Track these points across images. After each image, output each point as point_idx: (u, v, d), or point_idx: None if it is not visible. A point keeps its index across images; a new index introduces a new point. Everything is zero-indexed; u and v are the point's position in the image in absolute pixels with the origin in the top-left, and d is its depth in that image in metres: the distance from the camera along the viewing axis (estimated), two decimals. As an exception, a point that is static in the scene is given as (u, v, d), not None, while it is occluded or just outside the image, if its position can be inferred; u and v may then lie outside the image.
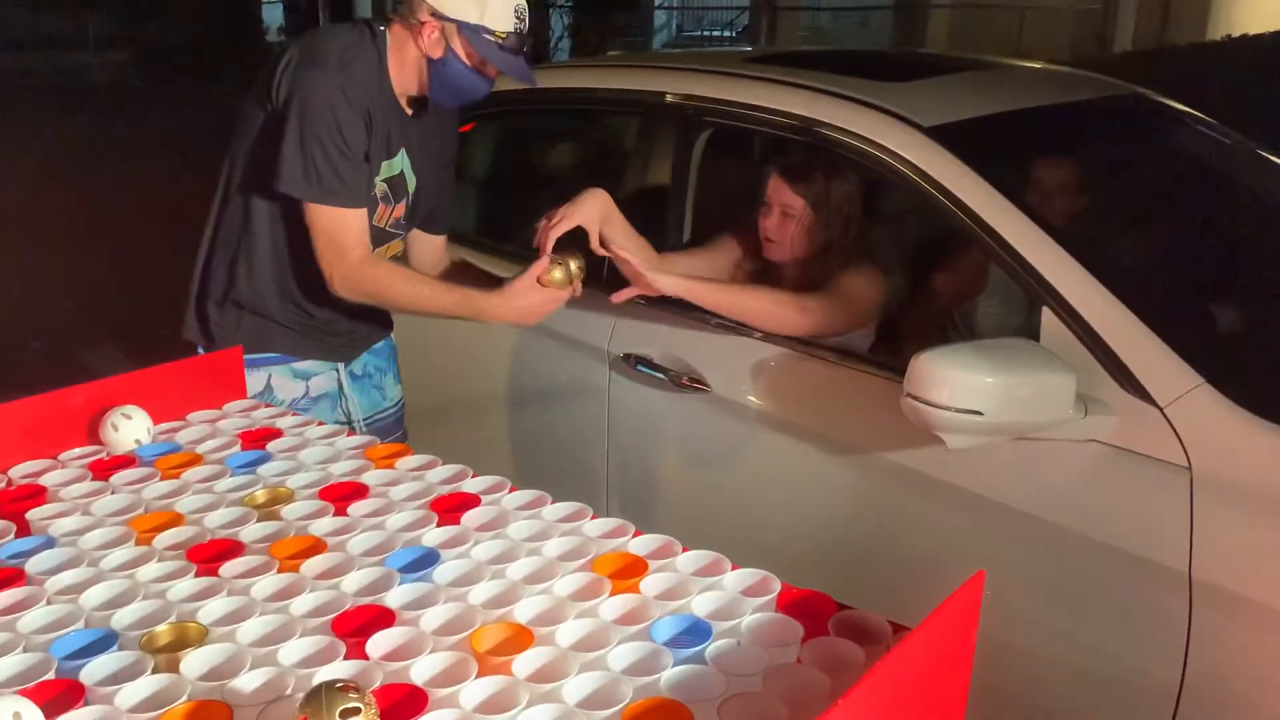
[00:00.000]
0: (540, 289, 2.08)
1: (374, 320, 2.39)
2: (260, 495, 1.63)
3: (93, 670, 1.20)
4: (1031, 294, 1.99)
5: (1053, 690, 1.92)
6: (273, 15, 21.80)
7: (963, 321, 2.45)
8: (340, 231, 2.07)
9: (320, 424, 1.92)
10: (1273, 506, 1.69)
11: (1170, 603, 1.74)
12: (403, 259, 2.34)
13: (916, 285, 2.56)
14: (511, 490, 1.64)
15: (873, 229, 2.54)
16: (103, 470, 1.72)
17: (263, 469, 1.73)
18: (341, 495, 1.62)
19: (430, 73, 2.08)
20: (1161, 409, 1.81)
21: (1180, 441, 1.78)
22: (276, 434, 1.87)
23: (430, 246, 2.43)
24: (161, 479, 1.68)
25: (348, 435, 1.87)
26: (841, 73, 2.47)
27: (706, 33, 21.68)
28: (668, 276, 2.17)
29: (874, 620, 1.30)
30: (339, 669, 1.19)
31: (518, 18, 2.05)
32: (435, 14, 2.03)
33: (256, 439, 1.84)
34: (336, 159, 2.02)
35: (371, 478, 1.69)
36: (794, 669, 1.23)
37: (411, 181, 2.23)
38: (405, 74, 2.11)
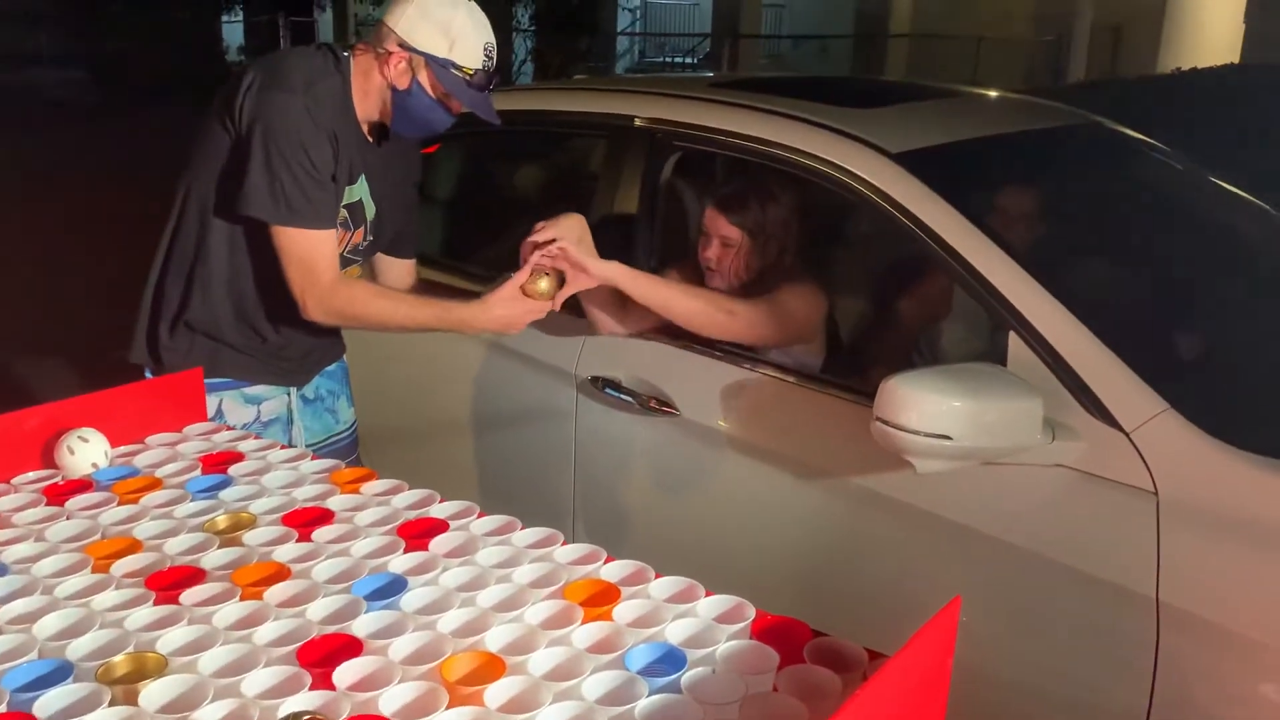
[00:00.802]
0: (523, 299, 2.09)
1: (327, 343, 2.37)
2: (222, 521, 1.59)
3: (47, 703, 1.16)
4: (998, 319, 2.00)
5: (1020, 715, 1.92)
6: (233, 35, 21.67)
7: (927, 346, 2.46)
8: (311, 254, 2.04)
9: (284, 447, 1.88)
10: (1238, 531, 1.71)
11: (1138, 627, 1.75)
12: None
13: (882, 310, 2.58)
14: (480, 516, 1.62)
15: (835, 252, 2.56)
16: (58, 495, 1.67)
17: (224, 494, 1.69)
18: (306, 521, 1.59)
19: (394, 102, 2.08)
20: (1128, 434, 1.82)
21: (1146, 466, 1.79)
22: (238, 458, 1.83)
23: (401, 271, 2.42)
24: (119, 504, 1.64)
25: (312, 459, 1.83)
26: (808, 99, 2.49)
27: (668, 59, 21.85)
28: (602, 262, 2.18)
29: (850, 647, 1.29)
30: (305, 700, 1.16)
31: (486, 55, 2.06)
32: (404, 45, 2.03)
33: (217, 463, 1.80)
34: (304, 180, 1.99)
35: (336, 503, 1.65)
36: (771, 698, 1.21)
37: (371, 209, 2.21)
38: (369, 101, 2.10)
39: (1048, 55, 15.53)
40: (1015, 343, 1.95)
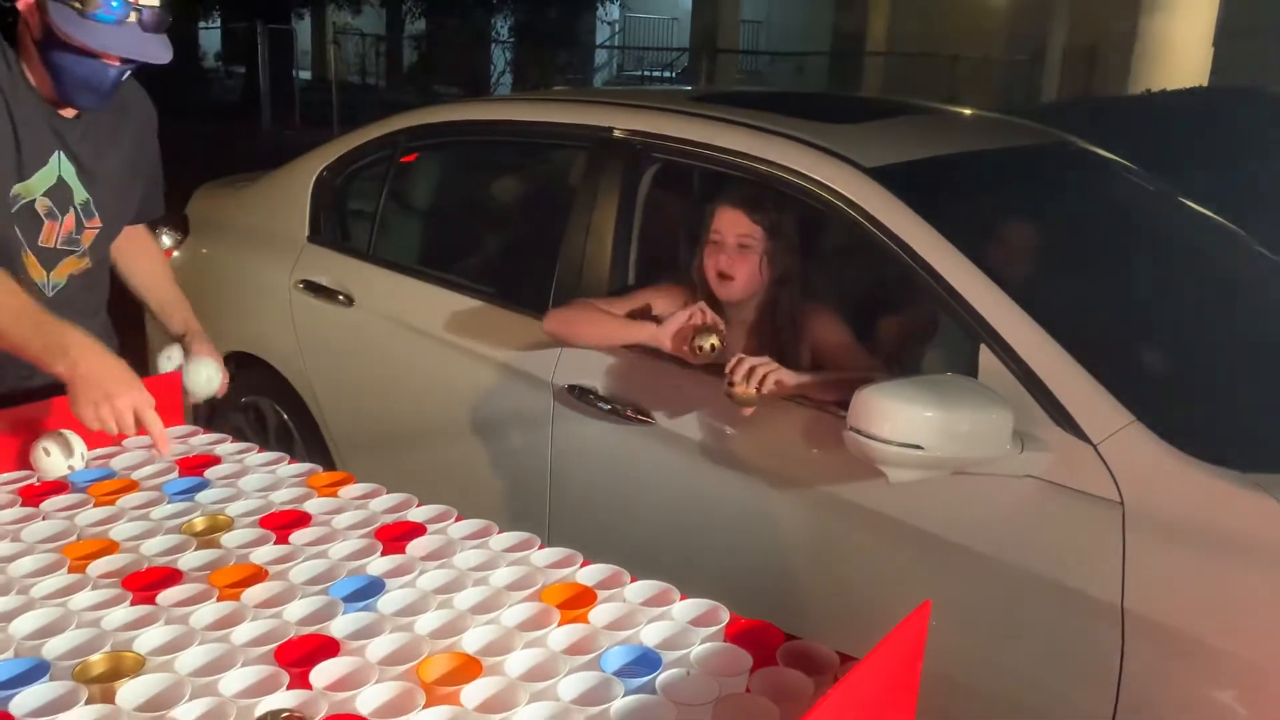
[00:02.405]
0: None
1: None
2: (199, 523, 1.59)
3: (23, 701, 1.16)
4: (970, 332, 2.03)
5: (988, 722, 1.95)
6: (210, 42, 21.57)
7: (909, 363, 2.49)
8: None
9: (260, 450, 1.88)
10: (1202, 540, 1.75)
11: (1103, 635, 1.78)
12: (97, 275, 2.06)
13: (857, 323, 2.60)
14: (458, 519, 1.63)
15: (815, 269, 2.58)
16: (33, 496, 1.68)
17: (201, 496, 1.69)
18: (283, 523, 1.60)
19: (44, 62, 1.79)
20: (1095, 446, 1.85)
21: (1113, 477, 1.82)
22: (215, 461, 1.83)
23: (137, 240, 2.18)
24: (95, 505, 1.64)
25: (289, 463, 1.83)
26: (786, 113, 2.52)
27: (646, 73, 21.93)
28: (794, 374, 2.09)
29: (822, 650, 1.31)
30: (283, 699, 1.17)
31: None
32: None
33: (194, 465, 1.81)
34: None
35: (314, 506, 1.66)
36: (744, 699, 1.23)
37: (80, 191, 1.94)
38: (34, 67, 1.83)
39: (1021, 75, 15.72)
40: (986, 355, 1.99)
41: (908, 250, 2.10)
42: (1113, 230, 2.67)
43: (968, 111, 3.16)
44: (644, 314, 2.39)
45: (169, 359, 2.15)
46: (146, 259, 2.24)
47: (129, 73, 1.83)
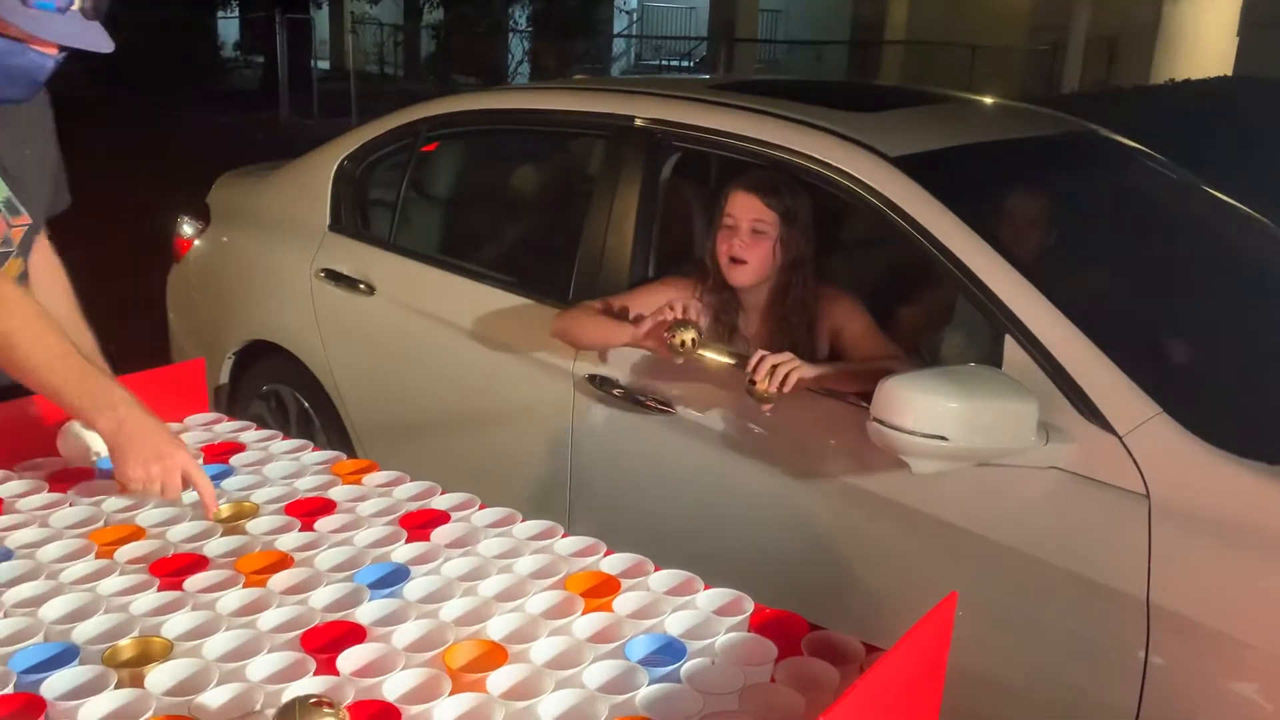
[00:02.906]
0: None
1: None
2: (224, 509, 1.60)
3: (54, 684, 1.17)
4: (994, 322, 2.02)
5: (1010, 714, 1.94)
6: (229, 32, 21.63)
7: (928, 353, 2.48)
8: None
9: (285, 438, 1.89)
10: (1229, 534, 1.73)
11: (1128, 628, 1.77)
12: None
13: (880, 313, 2.59)
14: (481, 508, 1.63)
15: (838, 257, 2.57)
16: (60, 482, 1.69)
17: (226, 483, 1.70)
18: (308, 510, 1.60)
19: None
20: (1120, 437, 1.84)
21: (1139, 469, 1.81)
22: (240, 448, 1.84)
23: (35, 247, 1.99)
24: (121, 491, 1.65)
25: (313, 450, 1.84)
26: (808, 102, 2.51)
27: (664, 62, 21.87)
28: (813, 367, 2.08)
29: (847, 641, 1.31)
30: (310, 685, 1.17)
31: None
32: None
33: (220, 453, 1.81)
34: None
35: (338, 493, 1.67)
36: (769, 688, 1.23)
37: (1, 188, 1.84)
38: None
39: (1042, 64, 15.60)
40: (1011, 346, 1.97)
41: (932, 240, 2.09)
42: (1137, 220, 2.65)
43: (990, 100, 3.14)
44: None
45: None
46: (47, 276, 2.04)
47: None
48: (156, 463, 1.57)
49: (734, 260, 2.29)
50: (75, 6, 1.63)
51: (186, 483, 1.59)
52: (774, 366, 2.02)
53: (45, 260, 2.05)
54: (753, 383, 2.03)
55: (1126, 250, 2.45)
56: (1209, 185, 2.86)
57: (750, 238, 2.27)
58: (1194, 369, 2.19)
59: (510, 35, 19.21)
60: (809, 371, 2.05)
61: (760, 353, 2.05)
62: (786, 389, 2.02)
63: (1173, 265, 2.49)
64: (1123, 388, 1.88)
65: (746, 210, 2.27)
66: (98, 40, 1.69)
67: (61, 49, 1.68)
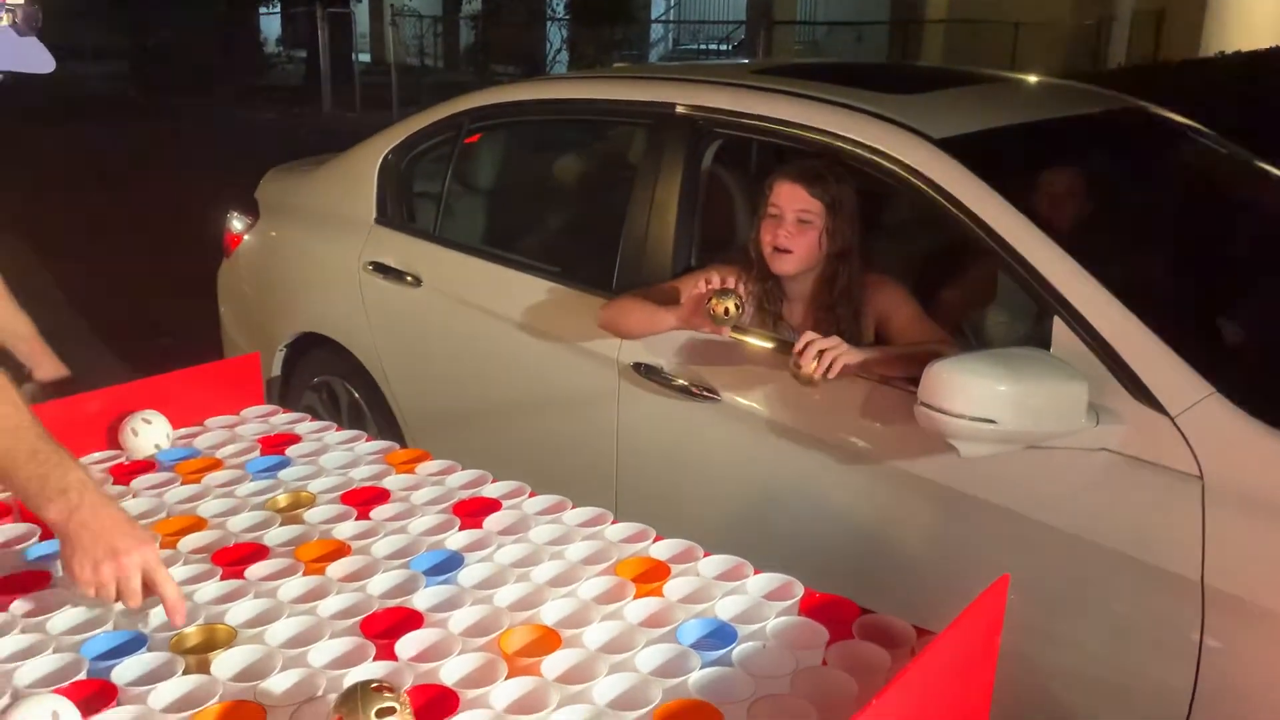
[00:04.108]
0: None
1: None
2: (282, 499, 1.64)
3: (124, 671, 1.21)
4: (1043, 304, 2.00)
5: (1063, 698, 1.93)
6: (270, 27, 21.86)
7: (971, 332, 2.47)
8: None
9: (339, 429, 1.93)
10: (1284, 514, 1.71)
11: (1182, 611, 1.76)
12: None
13: (925, 296, 2.58)
14: (531, 495, 1.66)
15: (880, 241, 2.56)
16: (123, 474, 1.73)
17: (283, 473, 1.74)
18: (363, 500, 1.63)
19: None
20: (1172, 418, 1.82)
21: (1191, 450, 1.79)
22: (295, 439, 1.88)
23: None
24: (182, 483, 1.70)
25: (366, 440, 1.87)
26: (850, 85, 2.50)
27: (702, 47, 21.75)
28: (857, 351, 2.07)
29: (898, 624, 1.32)
30: (370, 670, 1.20)
31: None
32: None
33: (275, 444, 1.85)
34: None
35: (392, 482, 1.70)
36: (821, 672, 1.24)
37: None
38: None
39: (1088, 40, 15.33)
40: (1059, 327, 1.96)
41: (979, 223, 2.07)
42: (1188, 197, 2.61)
43: (1034, 79, 3.10)
44: None
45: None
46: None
47: None
48: (109, 561, 1.28)
49: (778, 250, 2.29)
50: (4, 23, 1.44)
51: (150, 587, 1.31)
52: (820, 351, 2.02)
53: None
54: (798, 366, 2.04)
55: (1177, 228, 2.42)
56: (1261, 160, 2.80)
57: (795, 227, 2.27)
58: (1247, 348, 2.16)
59: (548, 23, 19.22)
60: (854, 356, 2.04)
61: (807, 335, 2.05)
62: (832, 374, 2.02)
63: (1225, 243, 2.45)
64: (1174, 368, 1.86)
65: (792, 200, 2.27)
66: (37, 60, 1.48)
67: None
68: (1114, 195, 2.44)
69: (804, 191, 2.26)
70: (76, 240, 7.10)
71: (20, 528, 1.54)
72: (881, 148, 2.23)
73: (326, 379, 3.33)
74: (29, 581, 1.40)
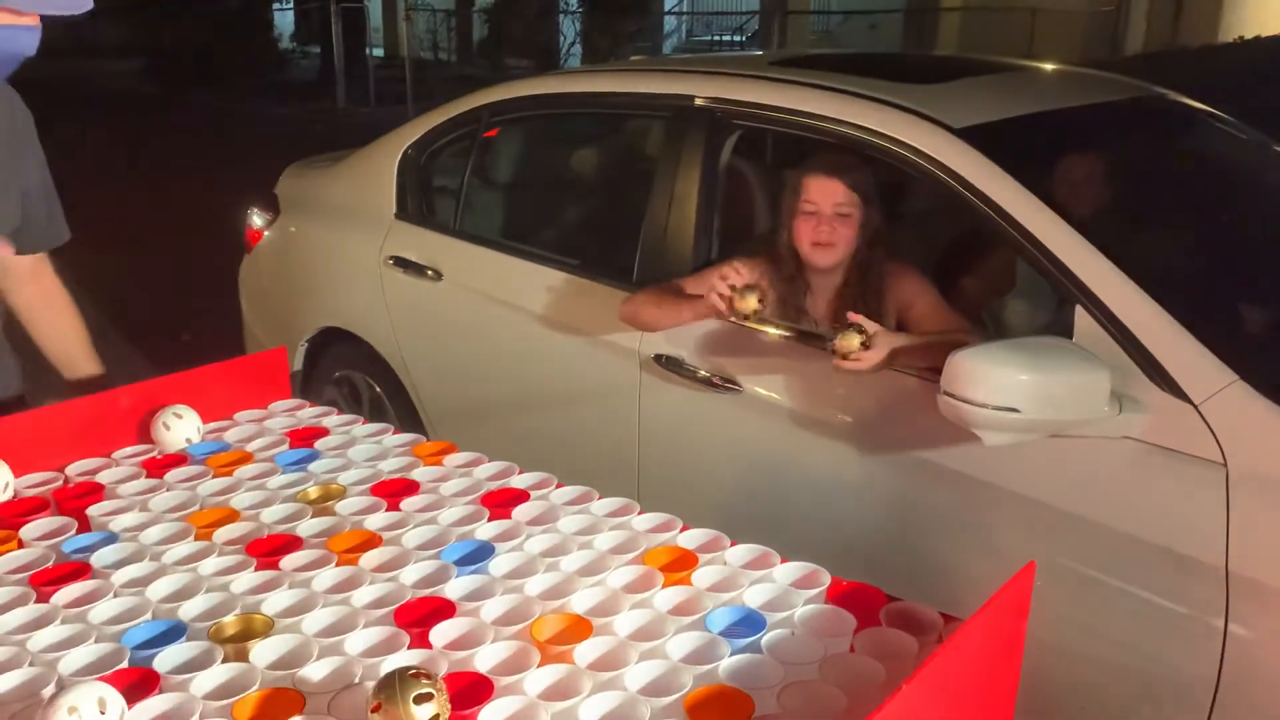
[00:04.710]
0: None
1: None
2: (313, 491, 1.66)
3: (165, 659, 1.23)
4: (1065, 293, 2.01)
5: (1088, 685, 1.94)
6: (284, 23, 21.94)
7: (991, 321, 2.47)
8: None
9: (365, 422, 1.95)
10: (1309, 501, 1.71)
11: (1207, 598, 1.76)
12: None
13: (944, 286, 2.58)
14: (558, 486, 1.67)
15: (900, 230, 2.56)
16: (156, 468, 1.76)
17: (313, 466, 1.76)
18: (393, 491, 1.65)
19: None
20: (1196, 406, 1.82)
21: (1215, 438, 1.79)
22: (323, 432, 1.90)
23: (20, 271, 1.85)
24: (214, 476, 1.72)
25: (393, 433, 1.90)
26: (869, 75, 2.50)
27: (716, 38, 21.70)
28: (882, 347, 2.02)
29: (925, 612, 1.33)
30: (405, 658, 1.22)
31: None
32: None
33: (304, 437, 1.88)
34: None
35: (420, 474, 1.72)
36: (849, 658, 1.25)
37: None
38: None
39: (1105, 26, 15.22)
40: (1081, 316, 1.96)
41: (1000, 212, 2.08)
42: (1208, 184, 2.61)
43: (1053, 67, 3.10)
44: None
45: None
46: (51, 310, 1.96)
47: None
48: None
49: (818, 245, 2.30)
50: None
51: None
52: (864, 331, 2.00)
53: (48, 295, 1.92)
54: (844, 341, 1.99)
55: (1198, 215, 2.41)
56: (1282, 146, 2.80)
57: (836, 221, 2.28)
58: (1270, 335, 2.16)
59: (561, 16, 19.22)
60: (893, 338, 2.04)
61: (853, 316, 2.04)
62: (874, 356, 2.00)
63: (1246, 229, 2.45)
64: (1197, 356, 1.86)
65: (828, 194, 2.28)
66: (66, 0, 1.50)
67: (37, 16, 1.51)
68: (1134, 183, 2.44)
69: (840, 185, 2.28)
70: (94, 238, 7.16)
71: (58, 521, 1.57)
72: (902, 138, 2.24)
73: (348, 373, 3.36)
74: (68, 573, 1.43)
